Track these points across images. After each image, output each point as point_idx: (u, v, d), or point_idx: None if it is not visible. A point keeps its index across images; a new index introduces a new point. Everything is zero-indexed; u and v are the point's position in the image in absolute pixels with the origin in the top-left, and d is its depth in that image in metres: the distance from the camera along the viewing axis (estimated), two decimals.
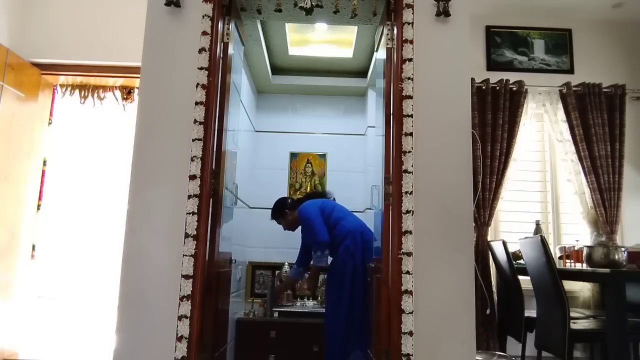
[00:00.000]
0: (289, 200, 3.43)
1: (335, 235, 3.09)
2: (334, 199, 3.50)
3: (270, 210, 3.45)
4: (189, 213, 2.04)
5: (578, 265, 3.08)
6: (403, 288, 2.03)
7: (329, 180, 4.34)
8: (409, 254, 2.05)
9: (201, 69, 2.15)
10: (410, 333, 1.99)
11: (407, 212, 2.08)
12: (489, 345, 3.32)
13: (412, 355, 1.98)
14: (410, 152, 2.13)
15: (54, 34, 3.44)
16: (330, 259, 3.13)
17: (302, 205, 3.24)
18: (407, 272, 2.04)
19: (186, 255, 2.02)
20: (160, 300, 2.03)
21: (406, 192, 2.10)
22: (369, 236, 3.04)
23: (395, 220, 2.10)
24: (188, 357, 1.95)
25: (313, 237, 3.07)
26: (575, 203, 3.62)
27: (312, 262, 3.13)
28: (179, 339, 1.96)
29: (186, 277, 2.00)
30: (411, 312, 2.01)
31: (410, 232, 2.07)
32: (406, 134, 2.14)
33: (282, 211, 3.36)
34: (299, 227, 3.30)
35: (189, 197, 2.05)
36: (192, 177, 2.07)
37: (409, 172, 2.11)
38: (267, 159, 4.37)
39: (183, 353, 1.95)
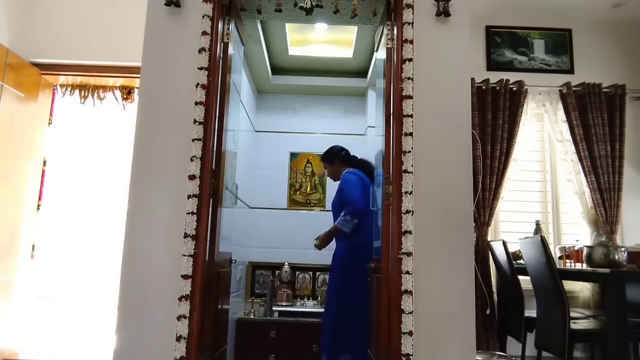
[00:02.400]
0: (344, 153, 3.40)
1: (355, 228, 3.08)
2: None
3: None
4: (189, 213, 2.04)
5: (578, 265, 3.08)
6: (403, 288, 2.02)
7: (329, 180, 4.34)
8: (409, 254, 2.05)
9: (201, 69, 2.15)
10: (410, 333, 1.99)
11: (407, 212, 2.08)
12: (489, 345, 3.32)
13: (412, 355, 1.98)
14: (410, 152, 2.12)
15: (54, 33, 3.44)
16: (351, 227, 3.05)
17: (354, 171, 3.24)
18: (407, 272, 2.04)
19: (185, 255, 2.02)
20: (160, 300, 2.03)
21: (406, 192, 2.10)
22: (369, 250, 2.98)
23: (395, 220, 2.09)
24: (187, 357, 1.95)
25: (351, 197, 3.05)
26: (575, 203, 3.62)
27: (336, 222, 3.10)
28: (178, 339, 1.95)
29: (185, 277, 2.00)
30: (411, 312, 2.01)
31: (410, 232, 2.07)
32: (406, 134, 2.14)
33: (334, 159, 3.38)
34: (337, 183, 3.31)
35: (189, 197, 2.05)
36: (192, 177, 2.07)
37: (409, 172, 2.11)
38: (267, 159, 4.37)
39: (182, 353, 1.95)
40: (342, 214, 3.08)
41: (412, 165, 2.12)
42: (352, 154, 3.43)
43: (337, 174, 3.37)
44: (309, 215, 4.31)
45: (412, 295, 2.02)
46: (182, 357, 1.94)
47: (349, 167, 3.32)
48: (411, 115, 2.15)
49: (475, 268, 2.20)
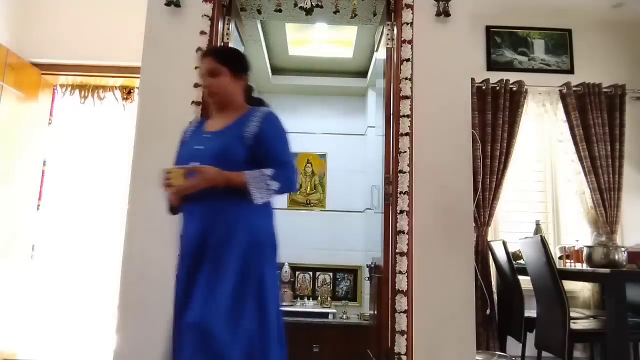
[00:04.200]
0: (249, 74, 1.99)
1: None
2: None
3: None
4: None
5: (578, 265, 3.08)
6: (401, 288, 2.03)
7: (329, 180, 4.34)
8: (402, 254, 2.05)
9: None
10: (410, 333, 1.99)
11: (402, 212, 2.08)
12: (489, 345, 3.31)
13: (412, 355, 1.98)
14: (405, 152, 2.13)
15: (54, 33, 3.44)
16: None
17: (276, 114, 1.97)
18: (405, 272, 2.04)
19: None
20: (160, 300, 2.03)
21: (401, 192, 2.10)
22: None
23: (395, 220, 2.09)
24: None
25: (287, 157, 1.86)
26: (575, 203, 3.62)
27: (249, 178, 1.69)
28: None
29: None
30: (410, 312, 2.01)
31: (404, 232, 2.07)
32: (402, 134, 2.14)
33: (239, 70, 1.89)
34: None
35: None
36: None
37: (404, 172, 2.11)
38: None
39: None
40: (268, 173, 1.72)
41: (407, 165, 2.12)
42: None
43: (226, 93, 1.86)
44: (309, 215, 4.31)
45: (411, 295, 2.02)
46: None
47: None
48: (409, 116, 2.15)
49: (475, 268, 2.20)
